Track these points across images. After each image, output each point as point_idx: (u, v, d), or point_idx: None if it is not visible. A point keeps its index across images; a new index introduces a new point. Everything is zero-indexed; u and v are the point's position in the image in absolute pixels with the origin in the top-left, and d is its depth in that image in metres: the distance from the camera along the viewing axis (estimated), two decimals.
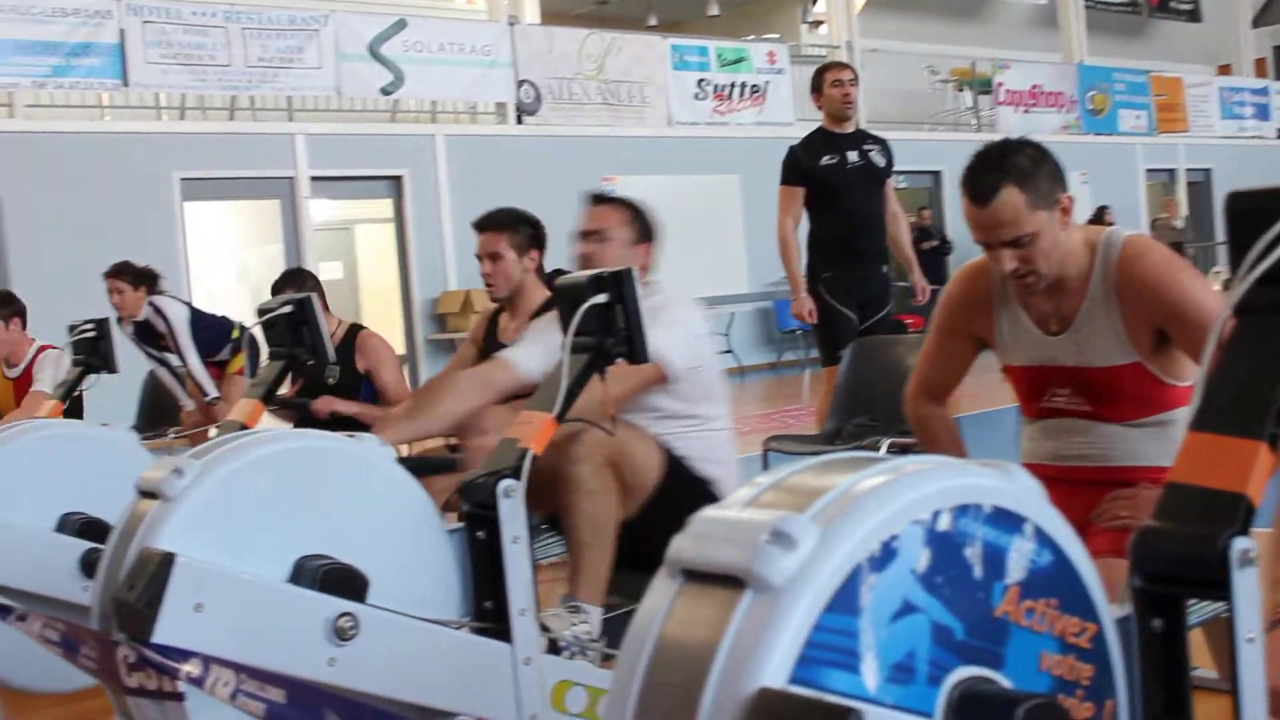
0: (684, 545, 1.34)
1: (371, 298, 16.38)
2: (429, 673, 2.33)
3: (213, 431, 6.81)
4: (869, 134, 6.77)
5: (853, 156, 6.50)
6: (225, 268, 15.75)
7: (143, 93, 13.10)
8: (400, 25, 14.15)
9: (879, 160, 6.60)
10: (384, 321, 15.00)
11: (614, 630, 3.41)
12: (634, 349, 2.55)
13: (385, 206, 14.71)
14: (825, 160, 6.45)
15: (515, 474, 2.42)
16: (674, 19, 20.94)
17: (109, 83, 12.63)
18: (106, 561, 2.24)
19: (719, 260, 15.87)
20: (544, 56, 15.19)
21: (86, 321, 4.27)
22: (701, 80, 16.62)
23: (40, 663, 2.96)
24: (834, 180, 6.42)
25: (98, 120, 13.30)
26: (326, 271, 14.48)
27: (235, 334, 7.71)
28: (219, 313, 8.10)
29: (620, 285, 2.54)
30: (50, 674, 3.09)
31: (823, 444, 5.79)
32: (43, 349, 6.54)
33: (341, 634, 2.21)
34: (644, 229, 3.94)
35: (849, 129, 6.60)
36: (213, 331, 7.60)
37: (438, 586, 2.45)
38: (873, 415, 5.82)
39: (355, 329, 5.66)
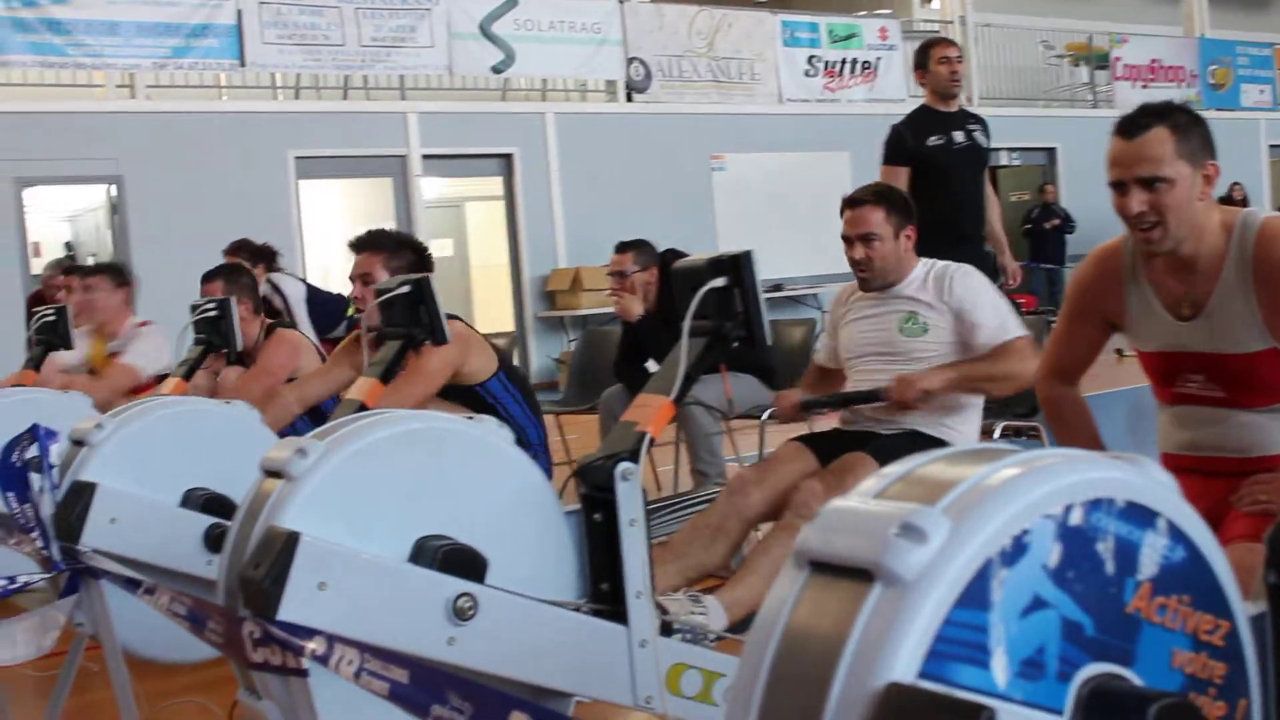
0: (812, 536, 1.33)
1: (481, 275, 16.50)
2: (545, 653, 2.35)
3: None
4: (971, 113, 6.64)
5: (959, 136, 6.38)
6: (338, 245, 15.94)
7: (259, 73, 13.30)
8: (511, 3, 14.22)
9: (983, 140, 6.48)
10: (493, 299, 15.13)
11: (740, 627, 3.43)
12: (753, 333, 2.54)
13: (495, 184, 14.80)
14: (932, 140, 6.33)
15: (633, 457, 2.42)
16: None
17: (226, 63, 12.85)
18: (232, 539, 2.28)
19: (826, 239, 15.72)
20: (654, 34, 15.17)
21: (209, 301, 4.35)
22: (812, 57, 16.50)
23: (166, 634, 3.02)
24: (941, 161, 6.30)
25: (215, 100, 13.53)
26: (437, 249, 14.55)
27: (350, 312, 7.82)
28: (333, 290, 8.21)
29: (739, 269, 2.53)
30: (175, 645, 3.15)
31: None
32: (142, 324, 6.59)
33: (461, 614, 2.24)
34: (903, 213, 4.12)
35: (953, 107, 6.48)
36: (328, 309, 7.72)
37: (555, 568, 2.46)
38: (987, 399, 5.75)
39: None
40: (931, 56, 6.47)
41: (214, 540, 3.02)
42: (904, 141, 6.39)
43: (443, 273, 13.56)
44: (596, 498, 2.44)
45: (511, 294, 14.66)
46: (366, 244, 4.58)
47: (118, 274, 6.59)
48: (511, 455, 2.43)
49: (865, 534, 1.28)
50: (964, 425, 4.05)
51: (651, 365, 6.26)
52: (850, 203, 4.13)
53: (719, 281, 2.53)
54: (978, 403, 4.13)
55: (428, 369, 4.16)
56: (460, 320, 4.65)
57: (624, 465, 2.41)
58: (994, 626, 1.28)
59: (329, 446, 2.23)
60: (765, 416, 5.56)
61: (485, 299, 15.67)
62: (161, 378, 6.27)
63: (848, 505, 1.35)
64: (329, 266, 15.12)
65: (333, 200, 15.58)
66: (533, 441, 4.49)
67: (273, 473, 2.25)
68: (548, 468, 4.44)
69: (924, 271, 4.11)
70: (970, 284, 4.06)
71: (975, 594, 1.27)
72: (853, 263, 4.12)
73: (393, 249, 4.55)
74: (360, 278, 4.51)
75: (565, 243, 14.60)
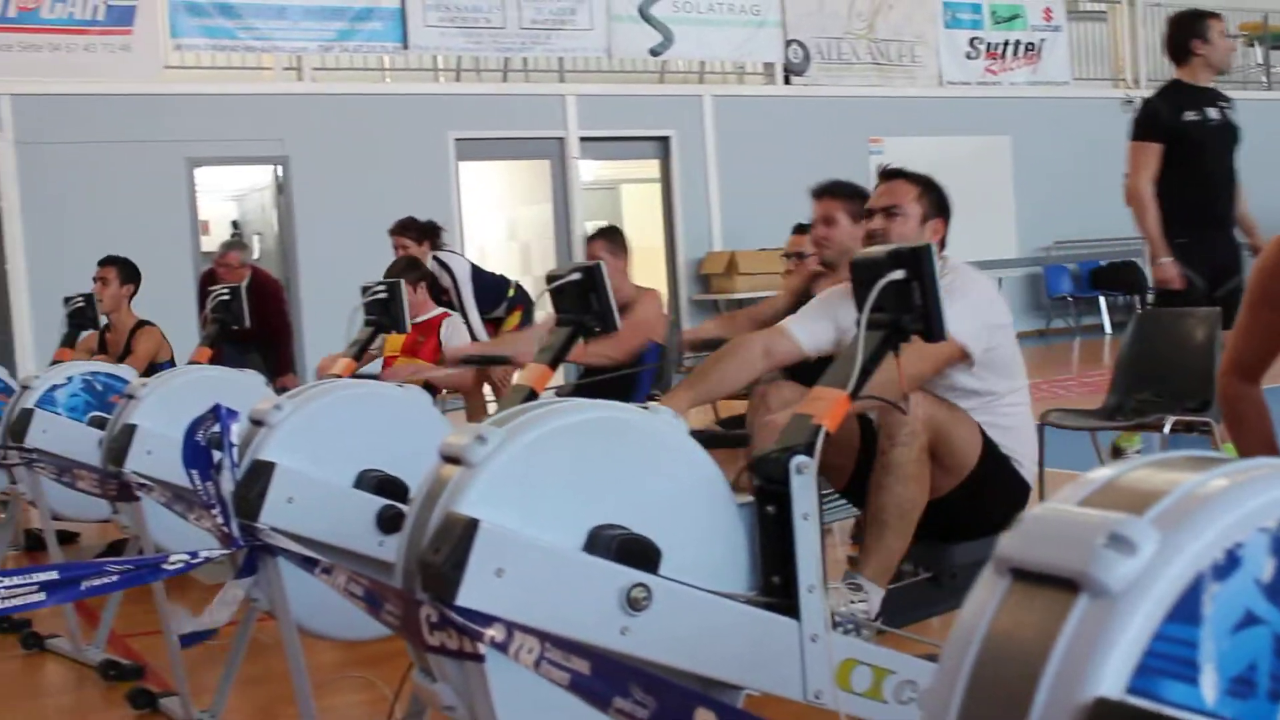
0: (1013, 544, 1.30)
1: (636, 258, 16.48)
2: (717, 646, 2.34)
3: (486, 388, 7.06)
4: (1220, 91, 6.36)
5: (1213, 113, 6.09)
6: (495, 226, 16.11)
7: (421, 55, 13.48)
8: None
9: (1235, 119, 6.22)
10: (648, 282, 15.07)
11: (891, 607, 3.39)
12: (931, 327, 2.50)
13: (652, 167, 14.82)
14: (1187, 116, 6.05)
15: (808, 450, 2.40)
16: None
17: (390, 46, 13.06)
18: (411, 523, 2.31)
19: (987, 224, 15.51)
20: (813, 15, 15.05)
21: (378, 282, 4.42)
22: (974, 39, 16.23)
23: (337, 611, 3.08)
24: (1195, 137, 6.03)
25: (379, 82, 13.75)
26: (592, 230, 14.68)
27: (511, 292, 7.90)
28: (495, 270, 8.29)
29: (919, 262, 2.49)
30: (346, 622, 3.21)
31: (1103, 419, 5.60)
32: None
33: (634, 604, 2.24)
34: (938, 204, 3.84)
35: (1208, 83, 6.23)
36: (491, 289, 7.80)
37: (727, 560, 2.45)
38: (1157, 391, 5.59)
39: None
40: (1212, 29, 6.14)
41: (386, 521, 3.07)
42: (1158, 116, 6.11)
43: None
44: (770, 490, 2.43)
45: (666, 277, 14.68)
46: (828, 191, 4.76)
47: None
48: (686, 446, 2.42)
49: (1070, 543, 1.25)
50: (1005, 417, 3.70)
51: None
52: (885, 175, 4.02)
53: (898, 274, 2.49)
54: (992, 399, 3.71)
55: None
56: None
57: (799, 459, 2.40)
58: (1204, 642, 1.24)
59: (508, 434, 2.25)
60: None
61: (639, 281, 15.66)
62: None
63: (1051, 512, 1.32)
64: (486, 247, 15.31)
65: (490, 181, 15.74)
66: None
67: (451, 458, 2.27)
68: None
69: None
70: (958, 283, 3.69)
71: (1186, 608, 1.23)
72: (867, 236, 3.92)
73: (850, 195, 4.69)
74: (823, 220, 4.69)
75: (721, 226, 14.58)
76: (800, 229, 6.19)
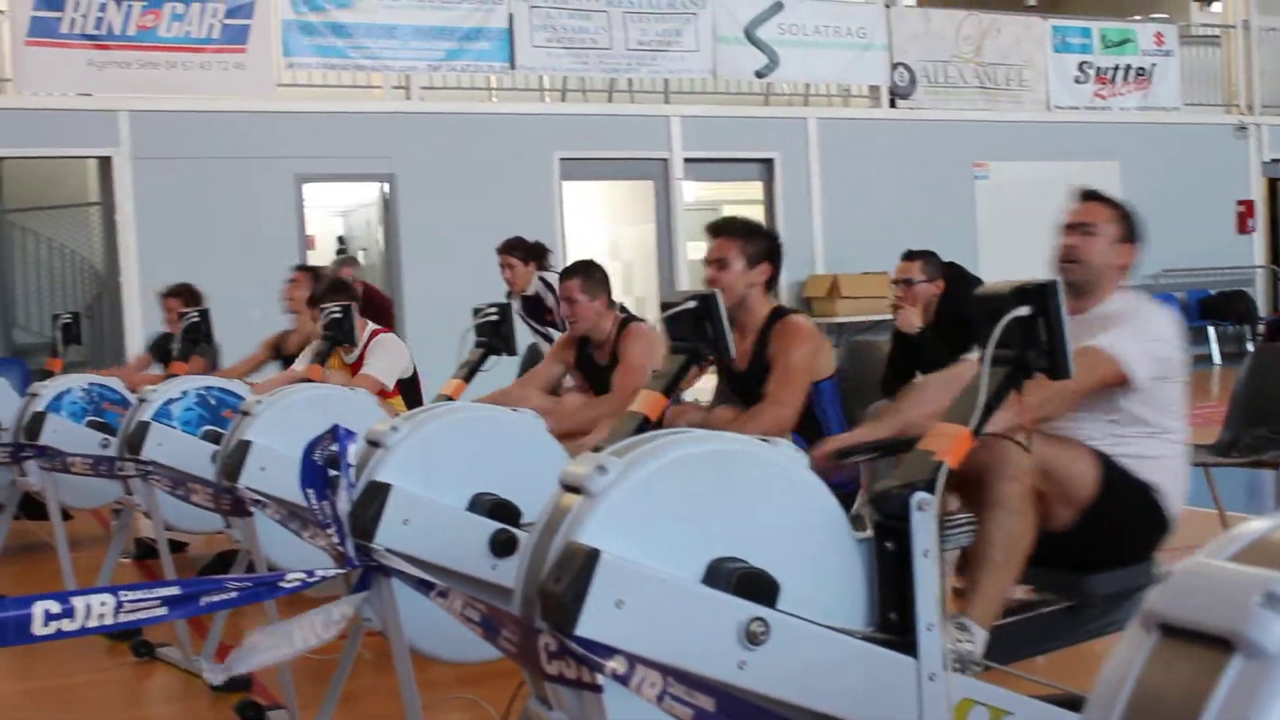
0: (1163, 599, 1.28)
1: None
2: (834, 682, 2.32)
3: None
4: None
5: None
6: (598, 245, 16.18)
7: (528, 75, 13.58)
8: (777, 8, 14.21)
9: None
10: None
11: (996, 644, 3.34)
12: (1056, 364, 2.47)
13: (755, 189, 14.81)
14: None
15: (929, 487, 2.38)
16: None
17: (497, 66, 13.19)
18: (530, 551, 2.32)
19: None
20: (920, 38, 14.98)
21: (490, 305, 4.45)
22: (1083, 63, 16.05)
23: (448, 633, 3.10)
24: None
25: (485, 101, 13.88)
26: (693, 251, 14.70)
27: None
28: None
29: (1045, 297, 2.46)
30: (456, 644, 3.23)
31: (1217, 455, 5.49)
32: (375, 333, 6.74)
33: (753, 638, 2.23)
34: (1131, 229, 3.80)
35: None
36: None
37: (844, 595, 2.43)
38: (1272, 427, 5.47)
39: None
40: None
41: (499, 545, 3.08)
42: None
43: (698, 275, 13.57)
44: (889, 526, 2.41)
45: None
46: (723, 229, 4.64)
47: (343, 291, 6.80)
48: (806, 479, 2.41)
49: (1224, 601, 1.22)
50: (1155, 448, 3.63)
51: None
52: (1081, 196, 3.95)
53: (1023, 310, 2.46)
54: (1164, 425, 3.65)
55: (794, 364, 4.28)
56: (796, 313, 4.70)
57: (920, 495, 2.37)
58: None
59: (628, 464, 2.25)
60: None
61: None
62: (405, 383, 6.47)
63: (1203, 568, 1.29)
64: None
65: (594, 201, 15.82)
66: None
67: (572, 487, 2.28)
68: (854, 477, 4.36)
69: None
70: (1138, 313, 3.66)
71: None
72: (1062, 251, 3.86)
73: (747, 235, 4.60)
74: (715, 262, 4.58)
75: (824, 249, 14.53)
76: (911, 255, 6.14)
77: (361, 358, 6.65)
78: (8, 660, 5.18)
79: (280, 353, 7.64)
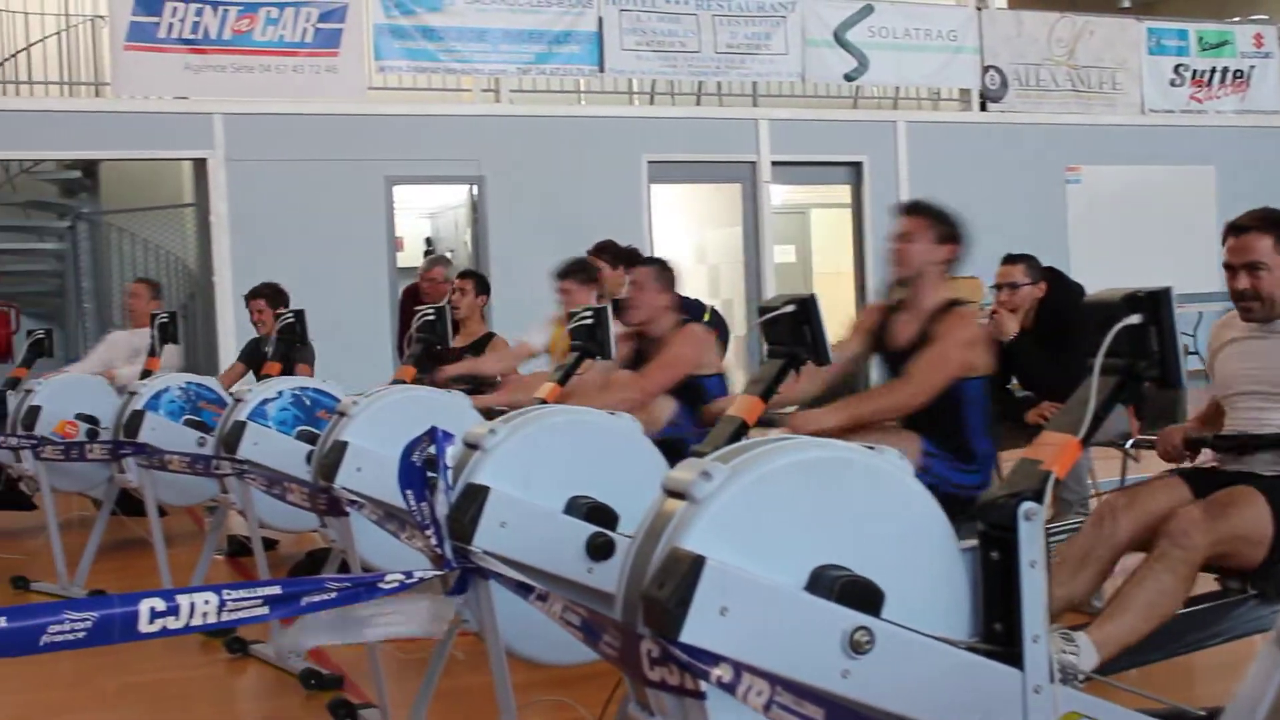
0: None
1: (823, 282, 16.44)
2: (937, 693, 2.30)
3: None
4: None
5: None
6: (684, 248, 16.18)
7: (616, 78, 13.60)
8: (866, 10, 14.14)
9: None
10: (835, 307, 15.03)
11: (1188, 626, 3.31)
12: (1168, 372, 2.42)
13: (842, 192, 14.73)
14: None
15: (1037, 497, 2.35)
16: None
17: (586, 69, 13.21)
18: (632, 556, 2.31)
19: (1188, 256, 15.03)
20: (1012, 41, 14.83)
21: (586, 309, 4.45)
22: (1179, 65, 15.80)
23: (543, 635, 3.10)
24: None
25: (574, 105, 13.91)
26: (780, 255, 14.67)
27: (706, 317, 7.88)
28: (693, 296, 8.29)
29: (1157, 305, 2.42)
30: (552, 647, 3.23)
31: None
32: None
33: (856, 647, 2.21)
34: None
35: None
36: (686, 313, 7.78)
37: (948, 605, 2.40)
38: None
39: None
40: None
41: (596, 549, 3.08)
42: None
43: (785, 279, 13.58)
44: (995, 536, 2.38)
45: (855, 302, 14.56)
46: (914, 209, 4.69)
47: (585, 271, 6.98)
48: (911, 487, 2.38)
49: None
50: None
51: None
52: (1234, 229, 3.89)
53: (1134, 319, 2.42)
54: None
55: (951, 346, 4.27)
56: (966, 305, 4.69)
57: (1027, 505, 2.34)
58: None
59: (732, 470, 2.24)
60: (1129, 445, 5.35)
61: (827, 306, 15.43)
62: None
63: None
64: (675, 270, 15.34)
65: (681, 204, 15.81)
66: (977, 453, 4.43)
67: (676, 493, 2.27)
68: (983, 483, 4.34)
69: None
70: None
71: None
72: (1235, 294, 3.86)
73: (938, 216, 4.64)
74: (901, 235, 4.61)
75: None
76: (1011, 259, 6.07)
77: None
78: (105, 655, 5.26)
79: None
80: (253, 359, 8.15)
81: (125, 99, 12.18)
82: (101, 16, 12.63)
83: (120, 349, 8.53)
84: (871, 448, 2.37)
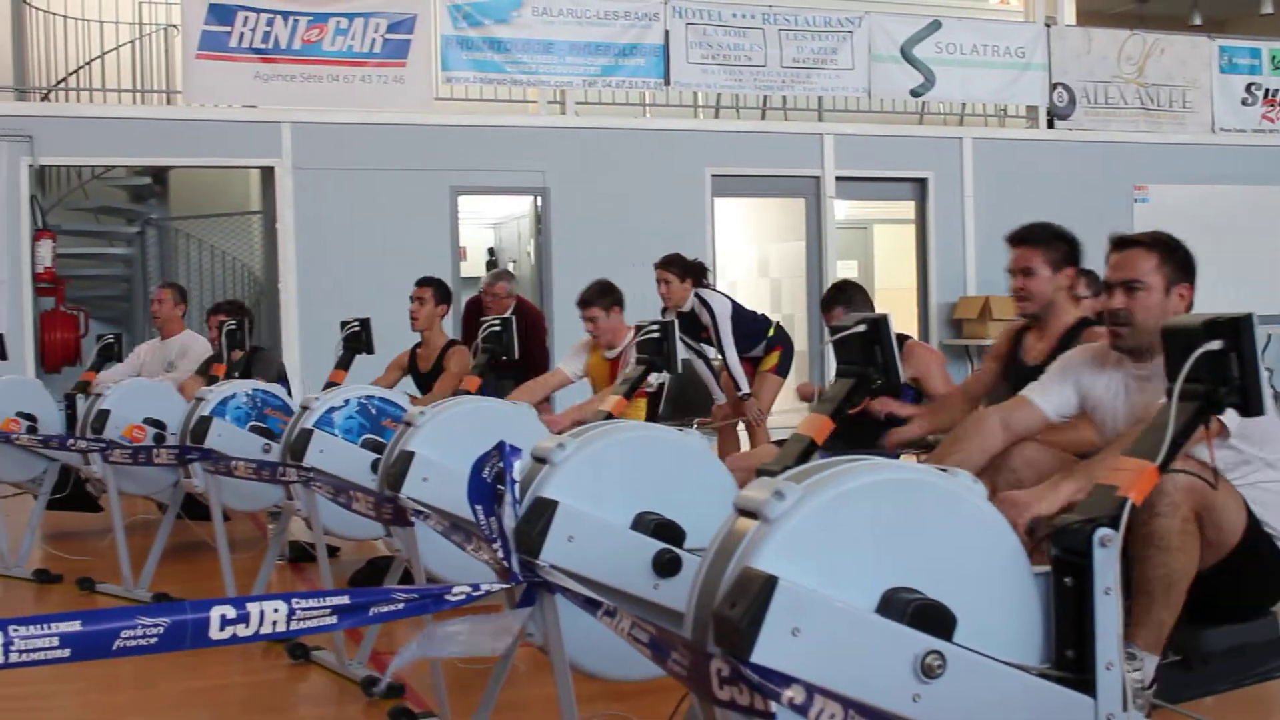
0: None
1: (885, 298, 16.37)
2: (1008, 718, 2.28)
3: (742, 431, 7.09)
4: None
5: None
6: (747, 261, 16.17)
7: (682, 91, 13.61)
8: (934, 26, 14.07)
9: None
10: (897, 323, 14.96)
11: (1164, 679, 3.24)
12: (1250, 400, 2.39)
13: (906, 208, 14.67)
14: None
15: (1113, 523, 2.32)
16: (1221, 17, 19.74)
17: (651, 82, 13.22)
18: (703, 574, 2.31)
19: (1258, 277, 14.88)
20: (1081, 59, 14.71)
21: (653, 322, 4.45)
22: (1251, 84, 15.62)
23: (608, 651, 3.10)
24: None
25: (639, 117, 13.93)
26: (842, 270, 14.61)
27: (771, 332, 7.88)
28: (756, 309, 8.28)
29: (1238, 332, 2.39)
30: (616, 662, 3.23)
31: None
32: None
33: (928, 671, 2.19)
34: (1182, 268, 3.73)
35: None
36: (750, 328, 7.79)
37: (1020, 630, 2.38)
38: None
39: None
40: None
41: (662, 565, 3.07)
42: None
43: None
44: (1069, 561, 2.35)
45: (917, 318, 14.49)
46: (1024, 237, 4.64)
47: (609, 294, 7.00)
48: (984, 510, 2.36)
49: None
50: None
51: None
52: (1119, 243, 3.91)
53: (1215, 345, 2.39)
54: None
55: None
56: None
57: (1103, 531, 2.32)
58: None
59: (806, 490, 2.23)
60: None
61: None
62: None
63: None
64: (738, 283, 15.37)
65: (744, 218, 15.80)
66: None
67: (748, 512, 2.26)
68: None
69: None
70: None
71: None
72: (1109, 314, 3.77)
73: (1049, 241, 4.62)
74: (1020, 271, 4.61)
75: (975, 271, 14.33)
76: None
77: (624, 354, 6.81)
78: (168, 658, 5.30)
79: (415, 369, 7.77)
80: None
81: (195, 107, 12.34)
82: (174, 25, 12.79)
83: (155, 365, 8.59)
84: (945, 471, 2.35)
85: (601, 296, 6.95)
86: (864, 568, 2.24)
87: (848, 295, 5.91)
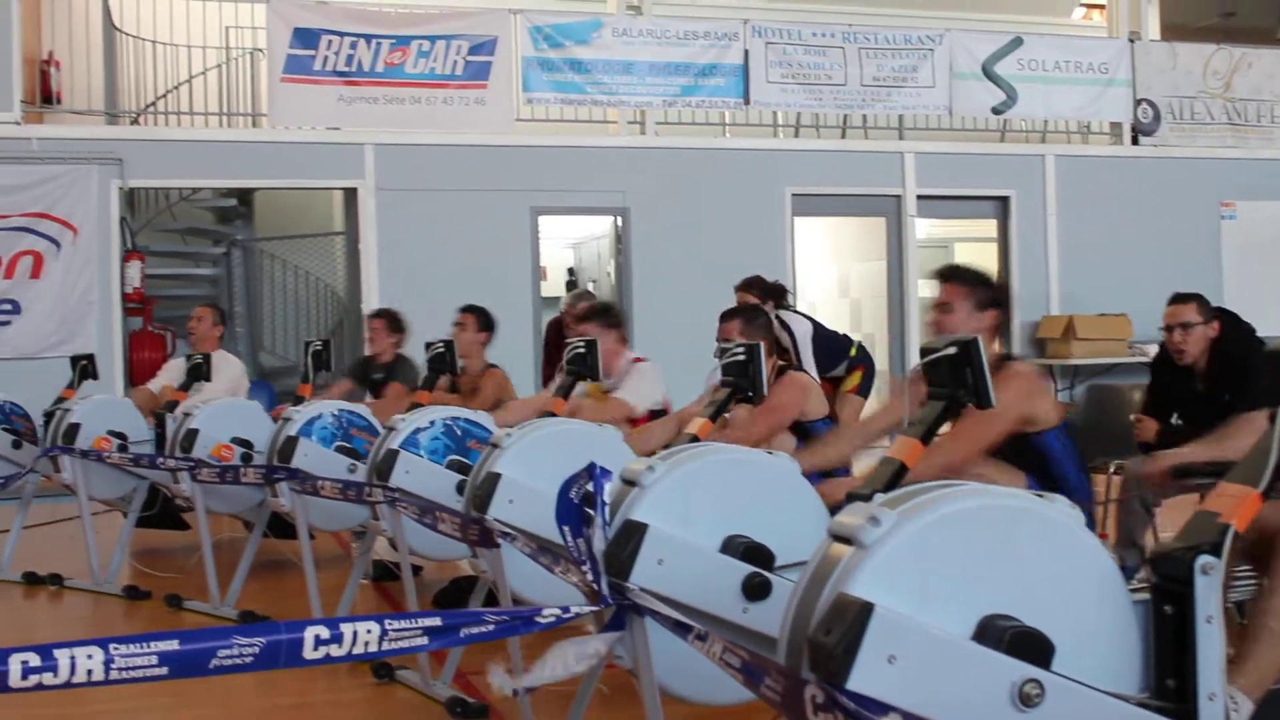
0: None
1: None
2: None
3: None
4: None
5: None
6: (827, 281, 16.10)
7: (761, 110, 13.60)
8: (1016, 43, 13.98)
9: None
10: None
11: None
12: None
13: (987, 226, 14.55)
14: None
15: (1214, 550, 2.28)
16: None
17: (731, 101, 13.22)
18: (797, 600, 2.29)
19: None
20: (1166, 74, 14.53)
21: (737, 345, 4.43)
22: None
23: (696, 675, 3.10)
24: None
25: (718, 137, 13.94)
26: (924, 289, 14.51)
27: (853, 352, 7.85)
28: (837, 329, 8.26)
29: None
30: (704, 686, 3.23)
31: None
32: (636, 360, 6.84)
33: (1026, 700, 2.16)
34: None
35: None
36: (831, 348, 7.77)
37: (1118, 658, 2.34)
38: None
39: None
40: None
41: (752, 589, 3.06)
42: None
43: (927, 313, 13.29)
44: (1170, 590, 2.31)
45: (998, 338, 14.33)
46: (950, 275, 4.68)
47: (607, 314, 6.89)
48: (1082, 538, 2.33)
49: None
50: None
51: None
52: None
53: None
54: None
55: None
56: (1021, 360, 4.66)
57: (1204, 559, 2.27)
58: None
59: (901, 516, 2.21)
60: None
61: None
62: (655, 413, 6.54)
63: None
64: (817, 302, 15.31)
65: (823, 237, 15.74)
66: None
67: (842, 538, 2.25)
68: None
69: None
70: None
71: None
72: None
73: (975, 282, 4.63)
74: (940, 305, 4.63)
75: (1059, 289, 14.19)
76: (1182, 298, 5.95)
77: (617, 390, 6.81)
78: (252, 674, 5.36)
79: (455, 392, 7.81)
80: (360, 376, 8.39)
81: (280, 129, 12.50)
82: (260, 50, 12.99)
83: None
84: (1041, 495, 2.32)
85: (600, 315, 6.90)
86: (960, 594, 2.21)
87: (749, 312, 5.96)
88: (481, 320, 7.94)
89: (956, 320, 4.57)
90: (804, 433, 5.49)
